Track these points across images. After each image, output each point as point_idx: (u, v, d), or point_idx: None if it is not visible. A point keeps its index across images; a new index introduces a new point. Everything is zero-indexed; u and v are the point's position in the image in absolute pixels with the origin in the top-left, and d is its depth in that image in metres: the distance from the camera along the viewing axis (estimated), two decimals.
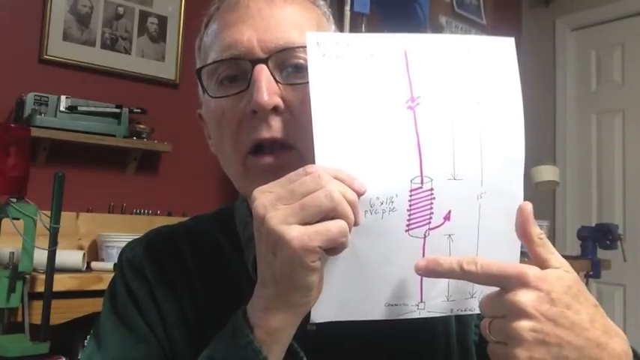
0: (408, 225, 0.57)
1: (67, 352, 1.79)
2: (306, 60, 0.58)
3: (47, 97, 2.18)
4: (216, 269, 0.74)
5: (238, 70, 0.66)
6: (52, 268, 1.68)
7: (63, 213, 1.74)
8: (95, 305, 1.71)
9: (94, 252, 2.26)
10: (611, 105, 3.62)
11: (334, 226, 0.51)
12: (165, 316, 0.72)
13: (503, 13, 3.86)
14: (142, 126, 2.42)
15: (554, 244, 0.57)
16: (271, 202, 0.52)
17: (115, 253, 2.03)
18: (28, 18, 2.30)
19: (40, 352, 1.63)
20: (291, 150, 0.64)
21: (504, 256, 0.58)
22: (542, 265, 0.55)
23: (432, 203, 0.57)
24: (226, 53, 0.66)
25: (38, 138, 2.13)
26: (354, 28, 2.56)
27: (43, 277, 1.69)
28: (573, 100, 3.81)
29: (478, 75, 0.59)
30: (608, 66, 3.67)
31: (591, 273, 2.91)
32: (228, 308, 0.60)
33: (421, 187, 0.56)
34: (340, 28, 2.52)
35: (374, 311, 0.59)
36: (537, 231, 0.57)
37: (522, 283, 0.52)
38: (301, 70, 0.64)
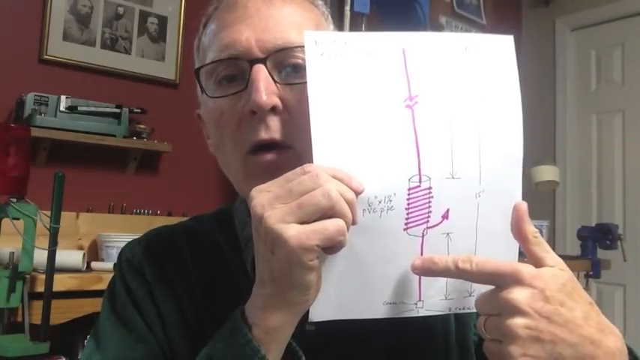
0: (406, 224, 0.57)
1: (67, 352, 1.79)
2: (304, 60, 0.58)
3: (47, 97, 2.18)
4: (216, 269, 0.74)
5: (237, 70, 0.66)
6: (52, 268, 1.68)
7: (63, 213, 1.75)
8: (95, 305, 1.72)
9: (94, 252, 2.26)
10: (611, 105, 3.62)
11: (332, 225, 0.51)
12: (164, 316, 0.72)
13: (503, 13, 3.86)
14: (142, 126, 2.42)
15: (554, 244, 0.57)
16: (269, 201, 0.52)
17: (115, 253, 2.03)
18: (28, 18, 2.31)
19: (40, 352, 1.63)
20: (290, 149, 0.64)
21: (503, 254, 0.58)
22: (538, 263, 0.55)
23: (430, 202, 0.57)
24: (224, 53, 0.66)
25: (38, 138, 2.13)
26: (354, 28, 2.56)
27: (43, 277, 1.69)
28: (573, 100, 3.81)
29: (477, 73, 0.59)
30: (608, 66, 3.67)
31: (591, 273, 2.91)
32: (227, 308, 0.60)
33: (419, 186, 0.56)
34: (340, 28, 2.53)
35: (372, 310, 0.59)
36: (532, 230, 0.57)
37: (516, 280, 0.52)
38: (300, 70, 0.64)
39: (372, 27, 2.62)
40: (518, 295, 0.52)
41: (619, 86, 3.62)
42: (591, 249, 2.95)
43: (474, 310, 0.60)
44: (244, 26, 0.66)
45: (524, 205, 0.58)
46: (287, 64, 0.65)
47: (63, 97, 2.21)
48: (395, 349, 0.69)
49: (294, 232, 0.50)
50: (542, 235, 0.57)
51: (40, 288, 1.69)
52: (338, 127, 0.56)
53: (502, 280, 0.53)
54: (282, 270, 0.52)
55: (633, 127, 3.52)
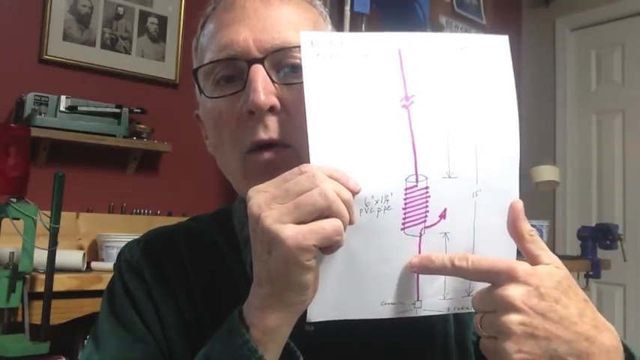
0: (403, 223, 0.57)
1: (67, 352, 1.79)
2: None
3: (47, 97, 2.19)
4: (215, 270, 0.74)
5: (235, 70, 0.66)
6: (52, 268, 1.68)
7: (63, 213, 1.75)
8: (95, 305, 1.71)
9: (94, 252, 2.26)
10: (611, 105, 3.62)
11: (329, 225, 0.51)
12: (162, 317, 0.72)
13: (503, 13, 3.86)
14: (142, 126, 2.43)
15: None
16: (266, 201, 0.52)
17: (114, 253, 2.03)
18: (28, 18, 2.31)
19: (40, 352, 1.63)
20: (289, 148, 0.64)
21: (500, 253, 0.58)
22: (533, 261, 0.56)
23: (427, 201, 0.57)
24: (223, 53, 0.66)
25: (38, 138, 2.13)
26: (354, 28, 2.57)
27: (43, 277, 1.69)
28: (573, 100, 3.81)
29: (472, 73, 0.60)
30: (608, 66, 3.67)
31: (591, 273, 2.91)
32: (226, 309, 0.60)
33: (416, 186, 0.56)
34: (340, 28, 2.53)
35: (370, 310, 0.59)
36: (528, 228, 0.57)
37: (511, 278, 0.53)
38: (298, 69, 0.64)
39: (372, 27, 2.62)
40: (513, 292, 0.52)
41: (619, 86, 3.62)
42: (591, 249, 2.95)
43: (473, 310, 0.60)
44: (242, 26, 0.66)
45: (520, 204, 0.59)
46: (285, 64, 0.66)
47: (63, 97, 2.21)
48: (394, 349, 0.69)
49: (291, 232, 0.50)
50: (542, 235, 0.57)
51: (40, 288, 1.69)
52: (334, 127, 0.56)
53: (498, 278, 0.54)
54: (279, 270, 0.52)
55: (633, 127, 3.52)
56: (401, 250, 0.58)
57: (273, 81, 0.64)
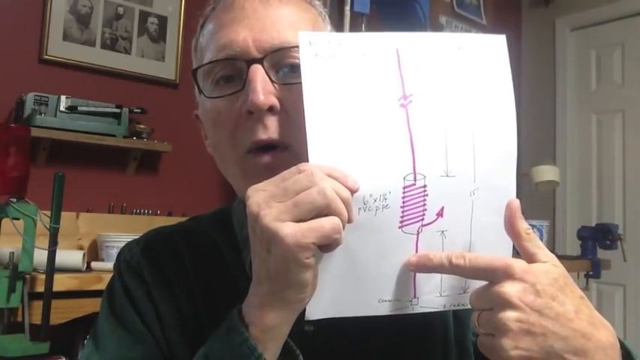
0: (401, 222, 0.57)
1: (67, 352, 1.79)
2: None
3: (47, 97, 2.18)
4: (214, 269, 0.74)
5: (234, 70, 0.67)
6: (52, 268, 1.68)
7: (63, 213, 1.74)
8: (95, 305, 1.71)
9: (94, 252, 2.26)
10: (611, 105, 3.62)
11: (328, 223, 0.51)
12: (162, 317, 0.72)
13: (503, 13, 3.86)
14: (142, 126, 2.43)
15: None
16: (265, 199, 0.52)
17: (114, 253, 2.02)
18: (28, 18, 2.31)
19: (40, 352, 1.63)
20: (288, 150, 0.64)
21: (497, 250, 0.59)
22: (530, 259, 0.56)
23: (425, 200, 0.57)
24: (222, 53, 0.66)
25: (38, 138, 2.13)
26: (354, 28, 2.57)
27: (43, 277, 1.69)
28: (573, 100, 3.81)
29: (470, 72, 0.60)
30: (608, 66, 3.67)
31: (591, 273, 2.92)
32: (226, 308, 0.60)
33: (414, 185, 0.57)
34: (340, 28, 2.53)
35: (368, 307, 0.60)
36: (524, 226, 0.58)
37: (508, 275, 0.53)
38: (297, 69, 0.64)
39: (372, 27, 2.63)
40: (509, 289, 0.53)
41: (619, 86, 3.62)
42: (591, 249, 2.95)
43: (469, 307, 0.60)
44: (241, 26, 0.66)
45: (516, 202, 0.59)
46: (284, 64, 0.66)
47: (63, 97, 2.21)
48: (393, 347, 0.70)
49: (290, 230, 0.50)
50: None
51: (40, 288, 1.68)
52: (333, 126, 0.56)
53: (494, 275, 0.54)
54: (278, 268, 0.52)
55: (633, 127, 3.52)
56: (398, 248, 0.58)
57: (272, 81, 0.64)
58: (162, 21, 2.64)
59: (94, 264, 1.99)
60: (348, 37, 0.59)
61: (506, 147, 0.60)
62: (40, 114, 2.14)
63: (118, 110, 2.34)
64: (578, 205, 3.71)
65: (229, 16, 0.68)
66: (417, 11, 2.72)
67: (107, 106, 2.34)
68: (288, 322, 0.57)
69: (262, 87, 0.63)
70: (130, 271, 0.75)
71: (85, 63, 2.41)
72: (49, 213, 1.72)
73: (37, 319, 1.67)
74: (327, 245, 0.52)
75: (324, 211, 0.51)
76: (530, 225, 0.59)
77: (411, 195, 0.57)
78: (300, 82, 0.58)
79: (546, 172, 3.01)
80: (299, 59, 0.59)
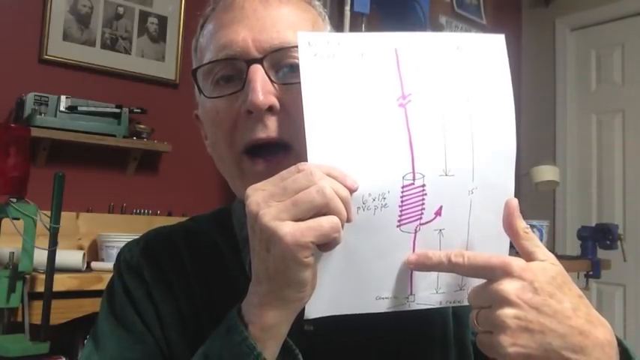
0: (399, 220, 0.57)
1: (67, 352, 1.79)
2: None
3: (47, 97, 2.18)
4: (214, 270, 0.74)
5: (234, 70, 0.67)
6: (52, 268, 1.68)
7: (63, 213, 1.75)
8: (95, 305, 1.71)
9: (94, 252, 2.26)
10: (611, 105, 3.62)
11: (327, 222, 0.51)
12: (162, 317, 0.72)
13: (503, 13, 3.86)
14: (142, 126, 2.43)
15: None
16: (264, 199, 0.52)
17: (114, 253, 2.02)
18: (28, 18, 2.31)
19: (40, 352, 1.63)
20: (286, 153, 0.64)
21: (493, 249, 0.59)
22: (529, 257, 0.57)
23: (423, 199, 0.57)
24: (222, 53, 0.67)
25: (38, 138, 2.13)
26: (354, 28, 2.57)
27: (43, 277, 1.69)
28: (573, 100, 3.81)
29: (469, 72, 0.60)
30: (608, 66, 3.67)
31: (591, 273, 2.91)
32: (225, 308, 0.60)
33: (413, 184, 0.57)
34: (340, 28, 2.53)
35: (366, 305, 0.60)
36: (523, 225, 0.58)
37: (506, 273, 0.54)
38: (297, 69, 0.63)
39: (372, 27, 2.63)
40: (507, 286, 0.53)
41: (619, 86, 3.62)
42: (591, 249, 2.95)
43: (465, 304, 0.61)
44: (241, 26, 0.66)
45: (515, 202, 0.60)
46: (284, 64, 0.66)
47: (63, 97, 2.21)
48: (393, 346, 0.70)
49: (289, 229, 0.50)
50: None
51: (40, 288, 1.69)
52: (332, 126, 0.56)
53: (492, 273, 0.55)
54: (277, 267, 0.52)
55: (633, 127, 3.52)
56: (396, 246, 0.58)
57: (272, 81, 0.65)
58: (162, 21, 2.64)
59: (94, 264, 2.00)
60: (347, 37, 0.59)
61: (505, 146, 0.60)
62: (40, 114, 2.14)
63: (118, 110, 2.34)
64: (578, 205, 3.71)
65: (229, 17, 0.68)
66: (417, 11, 2.72)
67: (107, 106, 2.34)
68: (288, 321, 0.57)
69: (262, 87, 0.63)
70: (130, 271, 0.75)
71: (85, 63, 2.42)
72: (49, 213, 1.72)
73: (37, 319, 1.67)
74: (326, 244, 0.52)
75: (323, 210, 0.51)
76: (530, 225, 0.60)
77: (410, 194, 0.57)
78: (300, 82, 0.58)
79: (546, 172, 3.01)
80: (299, 59, 0.59)
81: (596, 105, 3.71)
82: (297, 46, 0.58)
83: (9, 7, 2.28)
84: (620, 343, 0.57)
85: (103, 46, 2.48)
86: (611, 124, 3.63)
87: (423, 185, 0.57)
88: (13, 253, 1.67)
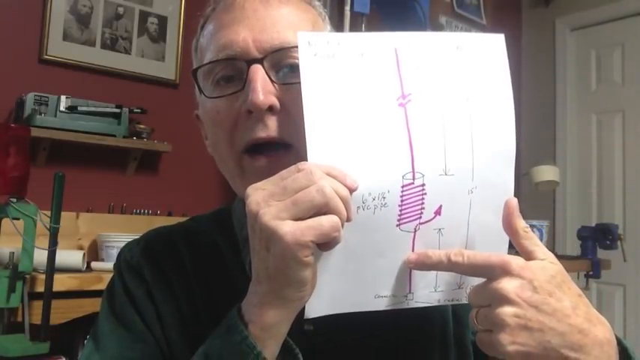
0: (399, 220, 0.57)
1: (67, 352, 1.79)
2: None
3: (47, 97, 2.18)
4: (214, 269, 0.74)
5: (234, 70, 0.67)
6: (52, 268, 1.68)
7: (63, 213, 1.75)
8: (95, 305, 1.71)
9: (94, 252, 2.26)
10: (611, 105, 3.62)
11: (327, 221, 0.51)
12: (162, 316, 0.72)
13: (503, 13, 3.86)
14: (142, 126, 2.43)
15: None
16: (264, 198, 0.52)
17: (114, 253, 2.02)
18: (28, 18, 2.31)
19: (40, 352, 1.63)
20: (286, 151, 0.64)
21: (492, 248, 0.59)
22: (528, 257, 0.57)
23: (423, 199, 0.58)
24: (222, 53, 0.67)
25: (38, 138, 2.13)
26: (354, 28, 2.57)
27: (43, 277, 1.69)
28: (573, 100, 3.81)
29: (468, 71, 0.60)
30: (608, 66, 3.67)
31: (591, 273, 2.91)
32: (226, 308, 0.60)
33: (413, 183, 0.57)
34: (340, 28, 2.53)
35: (364, 303, 0.60)
36: (522, 224, 0.59)
37: (505, 272, 0.54)
38: (297, 69, 0.64)
39: (372, 27, 2.63)
40: (507, 285, 0.53)
41: (619, 86, 3.62)
42: (591, 249, 2.95)
43: (464, 302, 0.61)
44: (242, 27, 0.66)
45: (514, 201, 0.60)
46: (284, 64, 0.66)
47: (63, 97, 2.21)
48: (393, 345, 0.70)
49: (289, 228, 0.50)
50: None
51: (40, 288, 1.69)
52: (332, 125, 0.56)
53: (492, 272, 0.55)
54: (277, 266, 0.52)
55: (633, 127, 3.52)
56: (395, 245, 0.58)
57: (272, 81, 0.65)
58: (162, 21, 2.64)
59: (94, 264, 2.00)
60: (346, 37, 0.59)
61: (505, 146, 0.60)
62: (40, 114, 2.14)
63: (118, 110, 2.34)
64: (578, 205, 3.71)
65: (229, 17, 0.68)
66: (417, 11, 2.72)
67: (107, 106, 2.34)
68: (288, 320, 0.57)
69: (262, 87, 0.63)
70: (130, 271, 0.75)
71: (85, 63, 2.42)
72: (49, 213, 1.72)
73: (37, 319, 1.67)
74: (325, 243, 0.52)
75: (322, 209, 0.51)
76: (530, 225, 0.60)
77: (410, 193, 0.57)
78: (300, 82, 0.58)
79: (546, 172, 3.01)
80: (299, 59, 0.59)
81: (596, 105, 3.71)
82: (297, 46, 0.58)
83: (9, 7, 2.28)
84: (619, 342, 0.58)
85: (103, 46, 2.48)
86: (611, 124, 3.63)
87: (423, 185, 0.57)
88: (13, 253, 1.67)
